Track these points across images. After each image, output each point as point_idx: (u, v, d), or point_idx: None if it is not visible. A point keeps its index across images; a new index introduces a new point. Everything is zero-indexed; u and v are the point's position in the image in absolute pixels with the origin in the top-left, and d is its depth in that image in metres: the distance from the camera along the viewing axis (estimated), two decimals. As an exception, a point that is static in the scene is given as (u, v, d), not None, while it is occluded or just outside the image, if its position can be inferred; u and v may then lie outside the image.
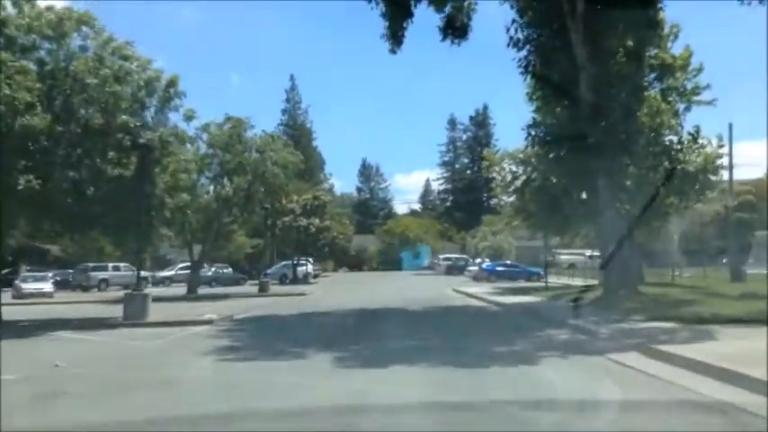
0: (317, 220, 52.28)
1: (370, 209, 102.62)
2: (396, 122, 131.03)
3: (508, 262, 52.51)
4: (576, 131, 19.12)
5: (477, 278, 45.60)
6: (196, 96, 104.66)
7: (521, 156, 29.32)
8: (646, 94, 20.78)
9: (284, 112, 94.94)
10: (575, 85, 18.77)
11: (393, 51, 21.12)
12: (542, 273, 47.28)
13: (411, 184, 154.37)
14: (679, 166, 24.40)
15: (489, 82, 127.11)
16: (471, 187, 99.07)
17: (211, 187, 34.85)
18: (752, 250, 43.26)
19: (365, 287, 38.87)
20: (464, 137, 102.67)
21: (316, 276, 56.32)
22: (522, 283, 40.00)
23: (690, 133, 23.97)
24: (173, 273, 49.69)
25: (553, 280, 34.08)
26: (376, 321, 18.19)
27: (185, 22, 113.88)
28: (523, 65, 19.91)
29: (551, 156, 23.31)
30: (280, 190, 36.94)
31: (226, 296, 33.35)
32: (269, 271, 53.82)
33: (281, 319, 19.34)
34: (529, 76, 20.40)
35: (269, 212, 38.18)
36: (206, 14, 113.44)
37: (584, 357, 10.32)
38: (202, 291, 39.41)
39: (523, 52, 19.94)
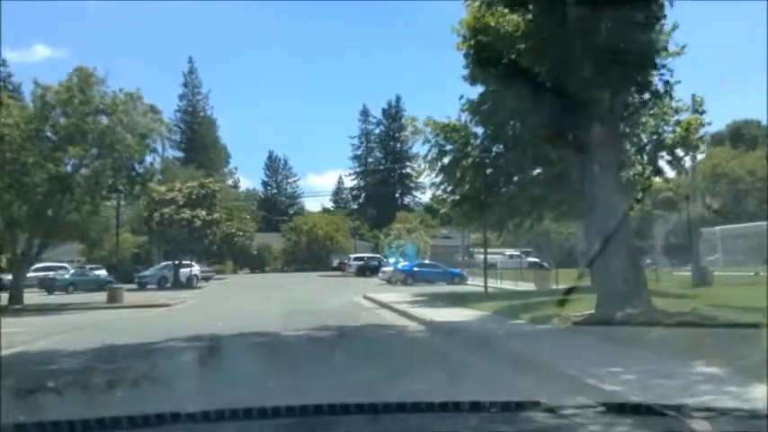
0: (203, 212, 43.74)
1: (277, 204, 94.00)
2: (308, 120, 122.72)
3: (426, 261, 46.15)
4: (553, 54, 12.29)
5: (392, 281, 39.18)
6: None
7: (451, 125, 22.32)
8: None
9: (182, 97, 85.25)
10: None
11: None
12: (465, 274, 41.42)
13: (324, 183, 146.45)
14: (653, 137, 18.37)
15: (402, 70, 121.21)
16: (384, 182, 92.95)
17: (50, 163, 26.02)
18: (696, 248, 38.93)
19: (255, 294, 30.86)
20: (377, 130, 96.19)
21: (207, 279, 47.79)
22: (445, 287, 33.43)
23: (656, 92, 16.87)
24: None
25: (477, 282, 27.39)
26: (210, 378, 9.51)
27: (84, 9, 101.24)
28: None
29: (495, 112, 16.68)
30: (147, 173, 28.31)
31: (61, 308, 24.92)
32: (146, 273, 45.25)
33: (50, 363, 10.91)
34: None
35: (121, 197, 29.57)
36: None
37: None
38: (51, 299, 31.40)
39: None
